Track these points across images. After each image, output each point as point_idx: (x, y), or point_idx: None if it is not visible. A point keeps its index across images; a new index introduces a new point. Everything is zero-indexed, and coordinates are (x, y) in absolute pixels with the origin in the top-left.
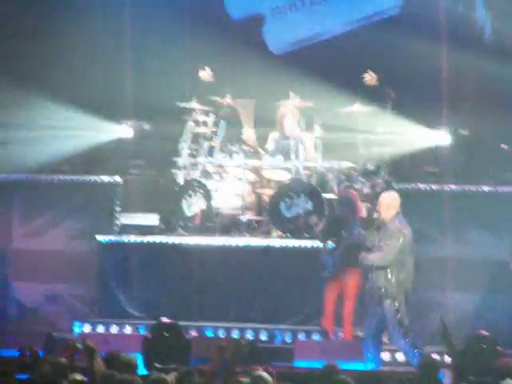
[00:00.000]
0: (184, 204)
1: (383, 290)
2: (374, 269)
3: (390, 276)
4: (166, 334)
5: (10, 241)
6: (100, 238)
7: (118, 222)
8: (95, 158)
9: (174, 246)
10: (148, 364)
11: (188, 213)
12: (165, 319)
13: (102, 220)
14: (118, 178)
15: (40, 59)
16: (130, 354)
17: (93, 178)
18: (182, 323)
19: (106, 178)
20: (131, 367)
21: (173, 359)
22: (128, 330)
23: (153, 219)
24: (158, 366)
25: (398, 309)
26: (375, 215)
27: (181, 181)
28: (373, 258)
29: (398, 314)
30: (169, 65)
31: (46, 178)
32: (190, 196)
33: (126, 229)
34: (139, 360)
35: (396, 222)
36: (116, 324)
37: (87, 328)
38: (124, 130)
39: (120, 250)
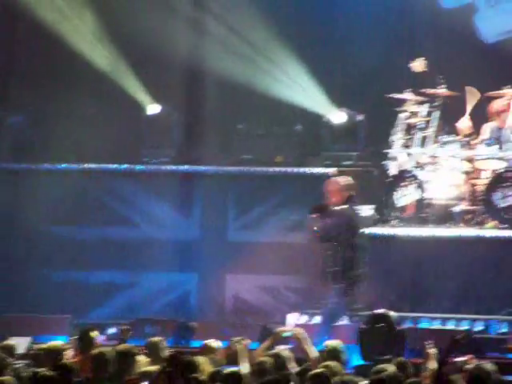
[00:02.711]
0: (396, 195)
1: (331, 272)
2: (327, 251)
3: (337, 258)
4: (379, 324)
5: (225, 233)
6: None
7: None
8: (308, 150)
9: (387, 237)
10: (364, 354)
11: (400, 204)
12: (379, 310)
13: None
14: (330, 170)
15: None
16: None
17: (306, 169)
18: (397, 314)
19: (319, 170)
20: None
21: (387, 350)
22: (345, 321)
23: (366, 210)
24: (373, 356)
25: (337, 293)
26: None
27: (393, 172)
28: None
29: (334, 297)
30: (382, 56)
31: (261, 170)
32: (403, 187)
33: None
34: (355, 351)
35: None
36: None
37: (303, 319)
38: (339, 118)
39: None
